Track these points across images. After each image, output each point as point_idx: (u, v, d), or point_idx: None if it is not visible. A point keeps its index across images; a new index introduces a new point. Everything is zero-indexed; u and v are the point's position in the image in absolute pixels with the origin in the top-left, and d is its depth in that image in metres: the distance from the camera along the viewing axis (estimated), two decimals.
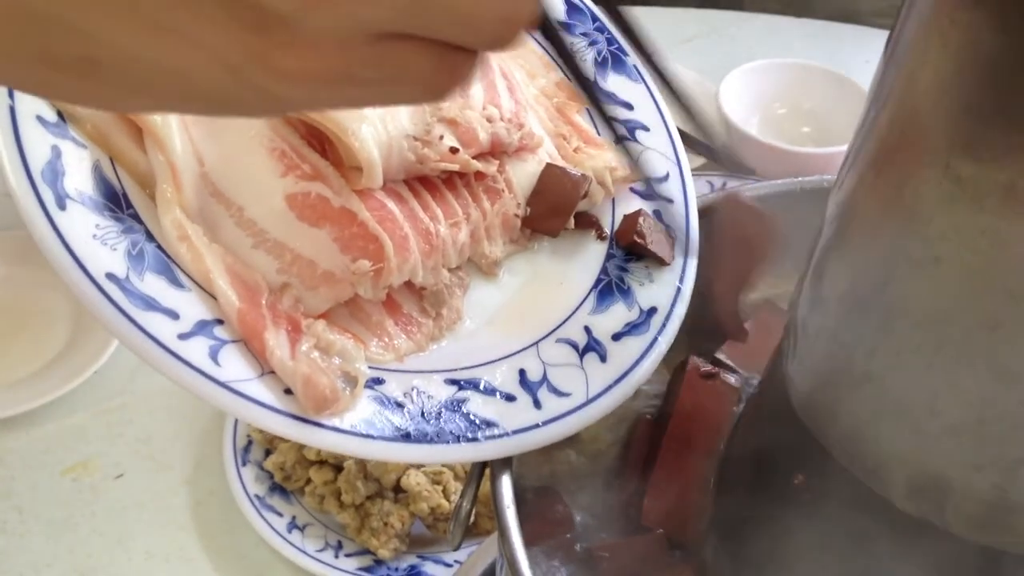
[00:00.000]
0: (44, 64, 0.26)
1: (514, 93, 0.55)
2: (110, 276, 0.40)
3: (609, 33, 0.59)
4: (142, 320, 0.40)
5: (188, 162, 0.46)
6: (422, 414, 0.44)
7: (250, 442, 0.82)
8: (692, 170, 1.04)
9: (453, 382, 0.46)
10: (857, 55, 1.21)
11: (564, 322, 0.51)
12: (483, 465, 0.47)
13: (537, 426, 0.46)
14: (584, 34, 0.59)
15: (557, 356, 0.49)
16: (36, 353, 0.89)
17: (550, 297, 0.52)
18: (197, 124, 0.47)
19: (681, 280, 0.53)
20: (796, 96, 1.13)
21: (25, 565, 0.76)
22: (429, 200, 0.50)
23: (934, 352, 0.34)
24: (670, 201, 0.56)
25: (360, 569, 0.75)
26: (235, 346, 0.42)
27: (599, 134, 0.58)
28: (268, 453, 0.81)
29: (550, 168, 0.55)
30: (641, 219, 0.54)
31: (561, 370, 0.48)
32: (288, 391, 0.42)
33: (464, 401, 0.45)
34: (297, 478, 0.80)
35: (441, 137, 0.50)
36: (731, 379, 0.53)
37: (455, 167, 0.51)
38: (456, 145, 0.50)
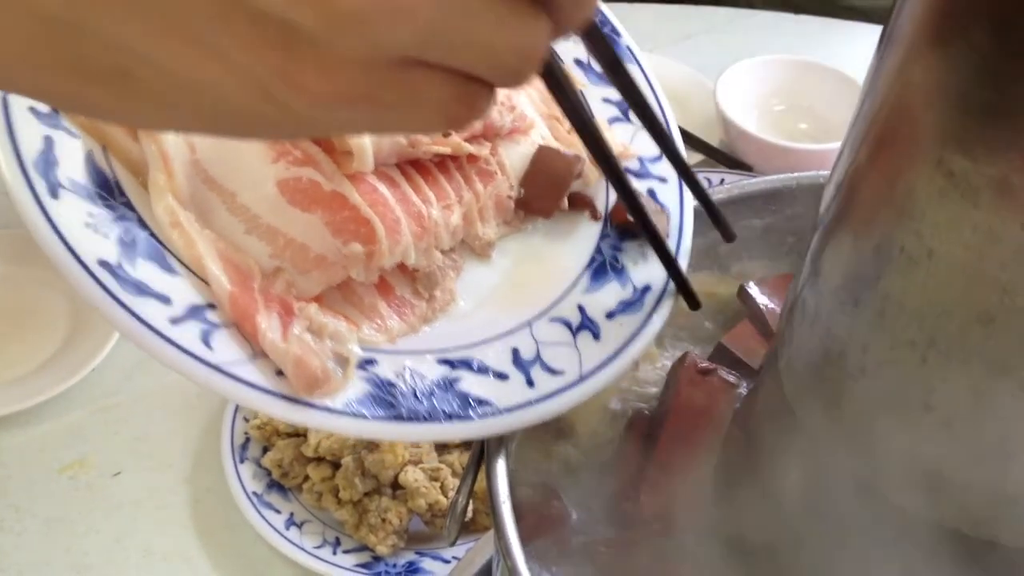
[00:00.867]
0: (77, 75, 0.26)
1: None
2: (102, 263, 0.41)
3: (602, 15, 0.59)
4: (134, 305, 0.40)
5: (180, 150, 0.46)
6: (414, 394, 0.44)
7: (248, 439, 0.82)
8: (690, 166, 1.04)
9: (445, 362, 0.47)
10: (855, 52, 1.21)
11: (557, 301, 0.51)
12: (479, 460, 0.47)
13: (530, 403, 0.46)
14: None
15: (550, 335, 0.49)
16: (33, 351, 0.89)
17: (544, 277, 0.53)
18: None
19: (675, 256, 0.53)
20: (794, 93, 1.13)
21: (22, 564, 0.76)
22: (421, 183, 0.51)
23: (927, 346, 0.34)
24: (663, 180, 0.56)
25: (358, 565, 0.75)
26: (227, 330, 0.42)
27: (593, 116, 0.58)
28: (266, 450, 0.81)
29: (543, 149, 0.55)
30: None
31: (554, 348, 0.48)
32: (280, 373, 0.42)
33: (456, 380, 0.45)
34: (295, 475, 0.80)
35: None
36: (729, 375, 0.53)
37: (447, 150, 0.51)
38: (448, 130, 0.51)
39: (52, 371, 0.86)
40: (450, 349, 0.47)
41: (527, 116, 0.56)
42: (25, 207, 0.40)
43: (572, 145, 0.56)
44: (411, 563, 0.76)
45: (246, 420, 0.82)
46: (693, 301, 0.52)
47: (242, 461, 0.80)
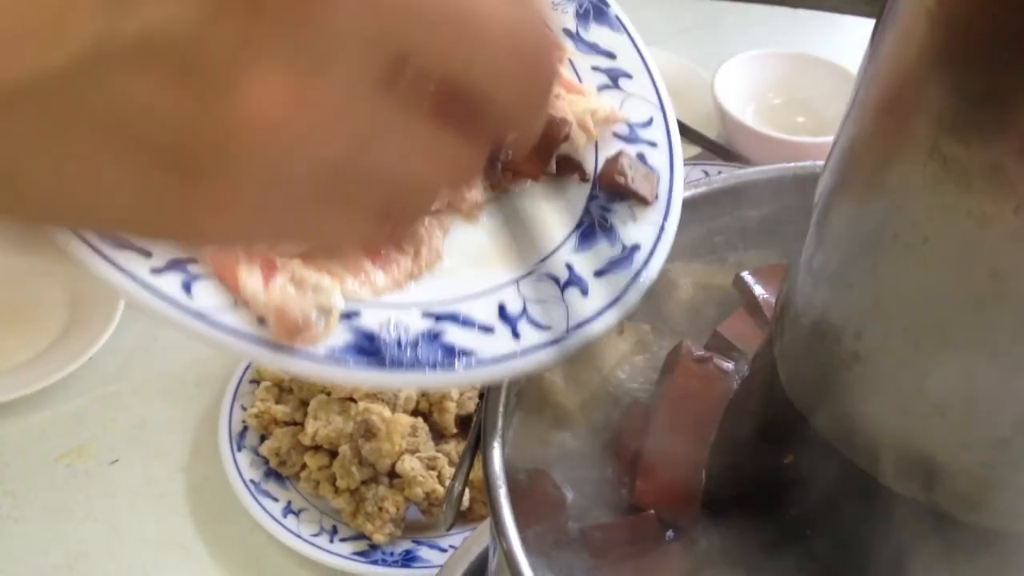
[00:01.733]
0: None
1: None
2: None
3: None
4: (116, 257, 0.40)
5: None
6: (398, 344, 0.44)
7: (245, 428, 0.82)
8: (688, 159, 1.04)
9: (430, 315, 0.47)
10: (852, 46, 1.21)
11: (546, 258, 0.51)
12: (476, 446, 0.48)
13: (516, 355, 0.45)
14: None
15: (538, 291, 0.49)
16: (31, 340, 0.89)
17: (532, 237, 0.53)
18: None
19: (665, 218, 0.53)
20: (791, 86, 1.13)
21: (19, 551, 0.76)
22: None
23: (921, 332, 0.35)
24: (653, 145, 0.56)
25: (355, 554, 0.75)
26: (208, 280, 0.42)
27: (580, 82, 0.59)
28: (263, 439, 0.81)
29: None
30: (622, 158, 0.54)
31: (541, 304, 0.48)
32: (262, 321, 0.42)
33: (441, 333, 0.46)
34: (292, 463, 0.80)
35: None
36: (724, 363, 0.53)
37: None
38: None
39: (50, 359, 0.87)
40: (435, 303, 0.48)
41: None
42: None
43: (560, 111, 0.56)
44: (408, 551, 0.76)
45: (244, 409, 0.83)
46: None
47: (239, 449, 0.81)
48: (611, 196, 0.54)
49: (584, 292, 0.49)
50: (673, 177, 0.55)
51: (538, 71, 0.26)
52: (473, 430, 0.48)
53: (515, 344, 0.46)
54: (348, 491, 0.77)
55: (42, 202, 0.24)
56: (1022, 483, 0.36)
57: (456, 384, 0.45)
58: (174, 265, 0.42)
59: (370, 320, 0.45)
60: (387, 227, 0.26)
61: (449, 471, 0.78)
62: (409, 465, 0.77)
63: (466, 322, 0.46)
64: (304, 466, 0.80)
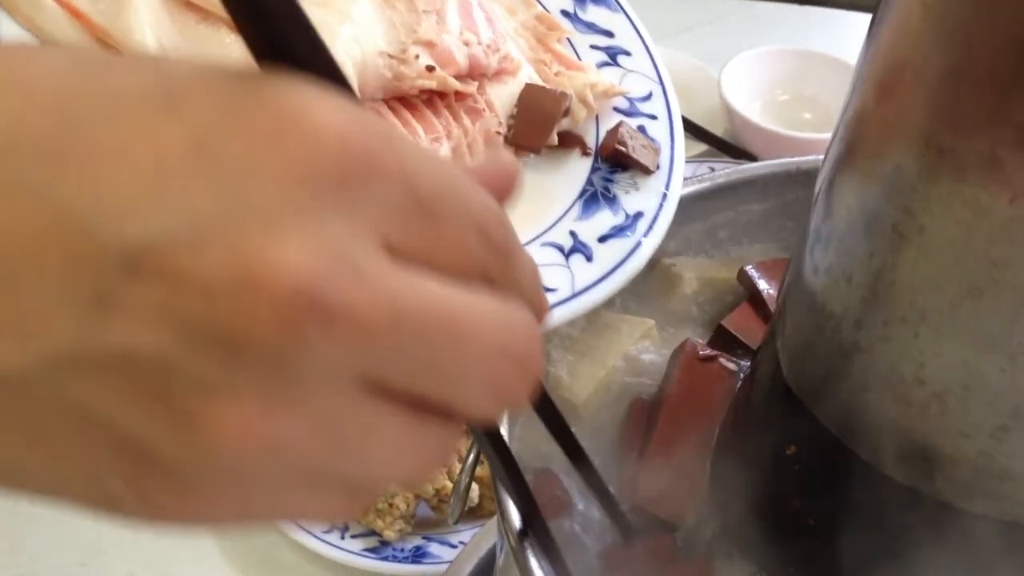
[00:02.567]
0: None
1: (493, 25, 0.56)
2: None
3: None
4: None
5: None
6: None
7: None
8: (695, 156, 1.04)
9: None
10: (858, 42, 1.21)
11: (550, 228, 0.51)
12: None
13: None
14: None
15: (542, 257, 0.50)
16: None
17: (535, 208, 0.54)
18: (175, 51, 0.49)
19: (667, 186, 0.54)
20: (798, 83, 1.13)
21: (35, 550, 0.77)
22: (409, 117, 0.52)
23: (919, 321, 0.35)
24: (654, 118, 0.57)
25: (366, 550, 0.76)
26: None
27: (580, 59, 0.59)
28: None
29: (530, 87, 0.56)
30: (622, 128, 0.55)
31: (546, 269, 0.49)
32: None
33: None
34: None
35: (417, 57, 0.51)
36: (729, 362, 0.54)
37: (432, 84, 0.52)
38: (433, 64, 0.51)
39: None
40: None
41: (514, 58, 0.57)
42: None
43: (560, 85, 0.57)
44: (418, 548, 0.77)
45: None
46: None
47: None
48: (613, 167, 0.55)
49: (588, 258, 0.50)
50: (674, 147, 0.55)
51: (525, 374, 0.24)
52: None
53: None
54: None
55: None
56: (1021, 471, 0.36)
57: None
58: None
59: None
60: (355, 504, 0.25)
61: (459, 468, 0.79)
62: None
63: None
64: None
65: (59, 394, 0.21)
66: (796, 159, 0.60)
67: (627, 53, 0.59)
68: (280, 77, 0.22)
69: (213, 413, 0.20)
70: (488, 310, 0.23)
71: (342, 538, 0.77)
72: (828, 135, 1.11)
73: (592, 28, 0.59)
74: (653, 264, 0.58)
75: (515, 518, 0.44)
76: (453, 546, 0.77)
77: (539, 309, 0.26)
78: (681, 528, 0.51)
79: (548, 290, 0.47)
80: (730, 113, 1.08)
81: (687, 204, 0.58)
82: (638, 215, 0.52)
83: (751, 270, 0.57)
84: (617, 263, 0.50)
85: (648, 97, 0.58)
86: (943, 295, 0.34)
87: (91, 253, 0.20)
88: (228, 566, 0.77)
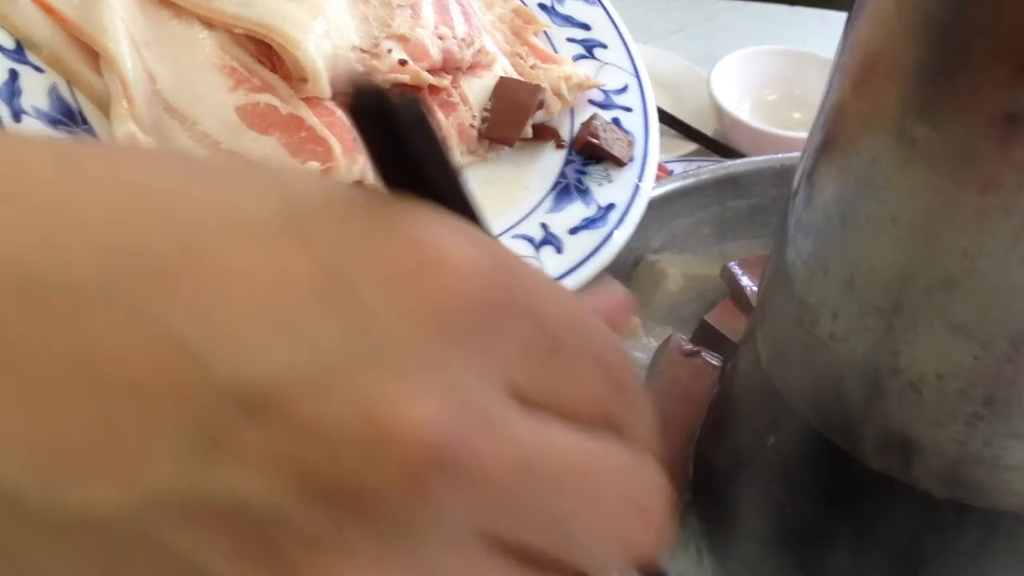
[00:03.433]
0: None
1: (469, 19, 0.57)
2: None
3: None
4: None
5: (140, 79, 0.48)
6: None
7: None
8: (684, 155, 1.05)
9: None
10: None
11: (521, 220, 0.52)
12: None
13: None
14: None
15: (513, 250, 0.50)
16: None
17: (508, 200, 0.54)
18: (148, 47, 0.49)
19: (640, 178, 0.54)
20: (787, 82, 1.14)
21: None
22: None
23: (893, 311, 0.35)
24: (628, 110, 0.57)
25: None
26: None
27: (556, 52, 0.60)
28: None
29: (504, 80, 0.57)
30: (595, 121, 0.55)
31: None
32: None
33: None
34: None
35: (389, 51, 0.52)
36: (712, 358, 0.54)
37: (405, 78, 0.53)
38: (405, 58, 0.52)
39: None
40: None
41: (489, 51, 0.57)
42: None
43: (535, 79, 0.58)
44: None
45: None
46: None
47: None
48: (586, 159, 0.55)
49: (559, 250, 0.50)
50: (648, 140, 0.56)
51: (654, 527, 0.23)
52: None
53: None
54: None
55: None
56: (995, 458, 0.37)
57: None
58: None
59: None
60: None
61: None
62: None
63: None
64: None
65: (154, 538, 0.19)
66: (780, 156, 0.61)
67: (603, 46, 0.60)
68: (411, 204, 0.20)
69: (323, 567, 0.19)
70: (616, 463, 0.22)
71: None
72: None
73: (569, 21, 0.60)
74: (637, 261, 0.58)
75: None
76: None
77: (657, 452, 0.25)
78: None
79: None
80: (720, 112, 1.08)
81: (672, 200, 0.58)
82: (610, 207, 0.53)
83: (734, 267, 0.58)
84: (587, 255, 0.50)
85: (624, 89, 0.58)
86: (916, 285, 0.35)
87: (205, 388, 0.18)
88: None
